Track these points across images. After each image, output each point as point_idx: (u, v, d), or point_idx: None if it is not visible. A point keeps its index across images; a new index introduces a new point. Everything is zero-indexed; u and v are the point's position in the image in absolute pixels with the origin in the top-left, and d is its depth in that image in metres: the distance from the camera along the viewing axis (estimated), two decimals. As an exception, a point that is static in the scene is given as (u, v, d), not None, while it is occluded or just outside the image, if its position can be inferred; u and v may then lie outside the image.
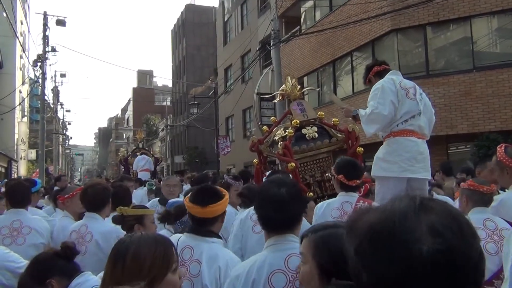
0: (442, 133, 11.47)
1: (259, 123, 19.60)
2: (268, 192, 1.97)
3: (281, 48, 15.86)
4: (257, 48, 18.74)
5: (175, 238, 2.39)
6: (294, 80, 5.21)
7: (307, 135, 4.60)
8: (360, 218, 0.81)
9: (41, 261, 1.83)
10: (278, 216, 1.89)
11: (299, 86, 5.13)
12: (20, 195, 3.61)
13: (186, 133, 37.98)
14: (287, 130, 4.61)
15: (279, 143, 4.56)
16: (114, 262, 1.45)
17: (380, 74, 4.02)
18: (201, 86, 32.86)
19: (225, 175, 8.12)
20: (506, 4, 11.26)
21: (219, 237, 2.39)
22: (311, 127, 4.68)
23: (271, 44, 14.66)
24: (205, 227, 2.33)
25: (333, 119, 4.81)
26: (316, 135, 4.62)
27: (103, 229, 3.11)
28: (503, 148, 3.13)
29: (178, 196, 5.03)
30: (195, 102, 26.02)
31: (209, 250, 2.26)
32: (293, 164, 4.28)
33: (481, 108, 11.41)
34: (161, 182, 5.57)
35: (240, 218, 3.21)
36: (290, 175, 4.04)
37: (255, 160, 5.26)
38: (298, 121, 4.64)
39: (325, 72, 16.88)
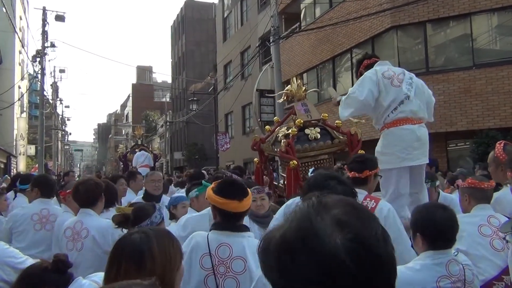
0: (441, 130, 11.48)
1: (259, 120, 19.62)
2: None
3: (280, 45, 15.83)
4: (257, 45, 18.71)
5: (200, 236, 2.33)
6: (299, 80, 5.24)
7: (309, 135, 4.63)
8: (272, 237, 0.80)
9: (32, 275, 1.72)
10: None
11: (304, 87, 5.15)
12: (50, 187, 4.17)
13: (186, 129, 37.96)
14: (290, 129, 4.63)
15: (282, 141, 4.58)
16: (141, 261, 1.44)
17: (370, 67, 4.07)
18: (200, 82, 32.82)
19: (222, 170, 8.12)
20: (506, 1, 11.25)
21: (249, 230, 2.39)
22: (314, 128, 4.71)
23: (271, 41, 14.64)
24: (239, 222, 2.31)
25: (336, 121, 4.82)
26: (319, 136, 4.65)
27: (100, 225, 3.11)
28: (502, 144, 3.18)
29: (162, 193, 5.00)
30: (195, 99, 25.99)
31: (250, 245, 2.23)
32: (295, 162, 4.30)
33: (480, 105, 11.42)
34: (145, 177, 5.38)
35: (286, 204, 3.13)
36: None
37: (255, 159, 5.28)
38: (302, 121, 4.66)
39: (325, 68, 16.87)
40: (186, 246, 2.32)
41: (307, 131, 4.66)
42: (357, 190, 3.23)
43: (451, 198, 4.15)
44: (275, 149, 4.81)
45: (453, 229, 2.18)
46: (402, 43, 13.15)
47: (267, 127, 5.33)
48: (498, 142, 3.26)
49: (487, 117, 11.32)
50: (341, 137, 4.72)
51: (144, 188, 5.18)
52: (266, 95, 18.60)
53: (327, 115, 4.98)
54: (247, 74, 22.98)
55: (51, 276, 1.66)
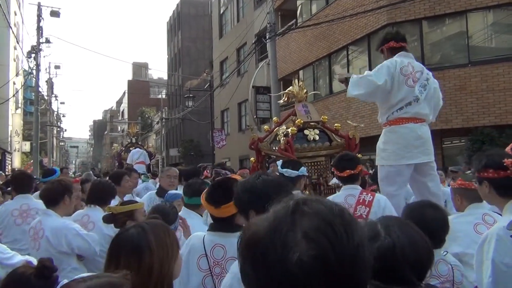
0: (437, 127, 11.49)
1: (255, 116, 19.65)
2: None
3: (277, 41, 15.82)
4: (253, 41, 18.67)
5: (197, 238, 2.32)
6: (301, 82, 5.27)
7: (308, 136, 4.68)
8: (248, 229, 0.80)
9: (16, 282, 1.64)
10: None
11: (305, 89, 5.18)
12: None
13: (181, 126, 37.88)
14: (290, 128, 4.68)
15: (282, 139, 4.61)
16: (139, 255, 1.46)
17: (393, 51, 3.99)
18: (196, 79, 32.72)
19: (216, 169, 8.12)
20: (502, -1, 11.27)
21: None
22: (313, 129, 4.76)
23: (267, 37, 14.62)
24: (230, 224, 2.23)
25: (335, 124, 4.89)
26: (317, 138, 4.71)
27: (54, 225, 3.14)
28: None
29: (177, 188, 5.00)
30: (191, 95, 25.92)
31: None
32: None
33: (475, 103, 11.45)
34: (159, 173, 5.46)
35: None
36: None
37: (252, 159, 5.34)
38: (302, 121, 4.70)
39: (321, 65, 16.86)
40: (184, 249, 2.32)
41: (306, 132, 4.72)
42: (351, 185, 3.30)
43: (448, 194, 4.13)
44: (274, 148, 4.83)
45: (443, 229, 2.16)
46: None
47: (265, 126, 5.35)
48: None
49: (482, 114, 11.35)
50: (339, 140, 4.77)
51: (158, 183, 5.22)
52: (262, 92, 18.61)
53: (326, 117, 5.00)
54: (243, 71, 22.93)
55: (36, 282, 1.61)
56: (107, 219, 2.98)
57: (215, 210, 2.23)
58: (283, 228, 0.73)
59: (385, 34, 4.26)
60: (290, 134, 4.54)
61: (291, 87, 5.19)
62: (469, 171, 4.26)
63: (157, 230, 1.55)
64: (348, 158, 3.42)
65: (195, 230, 2.91)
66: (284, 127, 4.95)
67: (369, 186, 4.62)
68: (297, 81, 5.22)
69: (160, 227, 1.58)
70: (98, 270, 1.94)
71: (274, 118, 5.57)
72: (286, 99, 5.23)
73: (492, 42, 12.24)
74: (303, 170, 3.54)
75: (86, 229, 3.34)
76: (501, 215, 2.81)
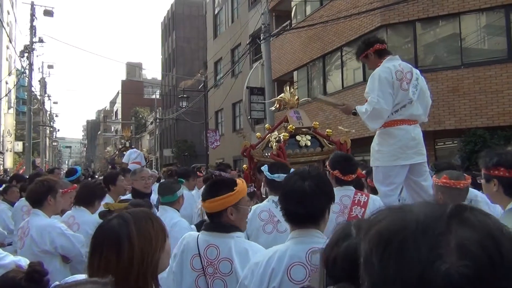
0: (430, 128, 11.57)
1: (249, 117, 19.66)
2: (291, 185, 1.93)
3: (271, 42, 15.83)
4: (248, 42, 18.68)
5: (191, 237, 2.32)
6: (293, 88, 5.29)
7: (300, 142, 4.71)
8: (380, 221, 0.69)
9: (6, 287, 1.59)
10: (300, 210, 1.86)
11: (297, 96, 5.20)
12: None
13: (175, 126, 37.80)
14: (282, 134, 4.71)
15: (274, 144, 4.64)
16: (119, 247, 1.45)
17: (380, 54, 3.94)
18: (190, 79, 32.67)
19: (209, 170, 8.10)
20: (494, 1, 11.36)
21: (240, 230, 2.29)
22: (305, 135, 4.79)
23: (262, 38, 14.64)
24: (220, 221, 2.23)
25: (327, 130, 4.93)
26: (309, 143, 4.74)
27: (38, 224, 3.15)
28: None
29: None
30: (185, 96, 25.88)
31: (237, 245, 2.19)
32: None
33: (468, 104, 11.53)
34: (130, 177, 5.12)
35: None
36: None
37: (244, 166, 5.39)
38: (294, 127, 4.73)
39: (315, 66, 16.90)
40: (177, 248, 2.34)
41: (298, 137, 4.75)
42: (345, 187, 3.30)
43: (475, 194, 3.94)
44: (266, 154, 4.85)
45: None
46: (391, 42, 13.21)
47: (257, 134, 5.37)
48: None
49: (474, 116, 11.44)
50: (331, 146, 4.80)
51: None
52: (257, 92, 18.62)
53: (318, 123, 5.02)
54: (237, 72, 22.94)
55: (27, 286, 1.57)
56: (103, 216, 2.97)
57: (203, 204, 2.28)
58: (435, 230, 0.62)
59: (365, 40, 4.16)
60: (282, 140, 4.57)
61: (282, 94, 5.24)
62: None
63: (139, 220, 1.52)
64: (353, 162, 3.40)
65: (169, 220, 3.19)
66: (276, 133, 4.98)
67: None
68: (288, 88, 5.25)
69: (142, 216, 1.55)
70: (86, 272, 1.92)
71: (266, 125, 5.62)
72: (278, 105, 5.26)
73: (485, 44, 12.33)
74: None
75: (71, 229, 3.33)
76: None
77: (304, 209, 1.86)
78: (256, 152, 5.05)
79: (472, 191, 4.09)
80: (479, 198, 3.70)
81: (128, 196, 4.80)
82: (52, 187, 3.32)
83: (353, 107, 3.94)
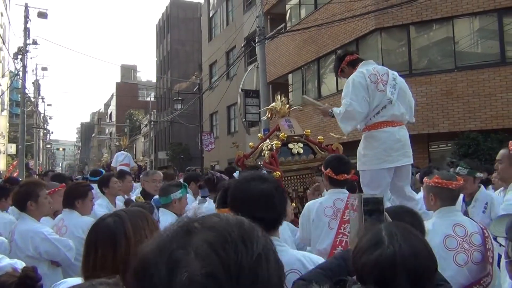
0: (423, 131, 11.63)
1: (244, 120, 19.66)
2: (250, 188, 1.76)
3: (266, 45, 15.86)
4: (242, 45, 18.70)
5: None
6: (284, 97, 5.31)
7: (292, 150, 4.72)
8: (142, 248, 0.73)
9: None
10: (265, 215, 1.67)
11: (287, 105, 5.22)
12: None
13: (170, 129, 37.73)
14: (274, 143, 4.72)
15: (266, 152, 4.65)
16: (115, 244, 1.45)
17: (353, 64, 4.04)
18: (185, 82, 32.65)
19: (209, 170, 8.11)
20: (487, 5, 11.45)
21: None
22: (297, 143, 4.80)
23: (256, 41, 14.66)
24: None
25: (319, 137, 4.94)
26: (302, 151, 4.74)
27: (22, 229, 3.11)
28: None
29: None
30: (179, 98, 25.85)
31: None
32: (278, 173, 4.36)
33: (461, 108, 11.60)
34: (142, 177, 5.25)
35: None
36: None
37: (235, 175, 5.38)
38: (286, 135, 4.74)
39: (310, 69, 16.95)
40: None
41: (290, 145, 4.75)
42: (339, 189, 3.30)
43: (491, 197, 3.88)
44: (259, 163, 4.85)
45: None
46: (386, 45, 13.29)
47: (250, 143, 5.41)
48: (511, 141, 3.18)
49: (468, 119, 11.51)
50: (323, 153, 4.81)
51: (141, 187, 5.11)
52: (251, 95, 18.62)
53: (309, 131, 5.04)
54: (232, 74, 22.95)
55: None
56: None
57: (219, 211, 2.30)
58: (171, 246, 0.67)
59: (337, 56, 4.33)
60: (274, 148, 4.58)
61: (274, 103, 5.25)
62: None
63: (135, 218, 1.52)
64: (346, 161, 3.40)
65: (163, 222, 3.12)
66: (268, 142, 4.99)
67: None
68: (279, 97, 5.26)
69: (138, 214, 1.55)
70: (77, 275, 1.87)
71: (259, 135, 5.62)
72: (269, 115, 5.27)
73: (478, 47, 12.42)
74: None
75: (59, 233, 3.28)
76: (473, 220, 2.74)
77: (269, 213, 1.71)
78: (249, 162, 5.06)
79: (488, 194, 4.02)
80: (495, 202, 3.69)
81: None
82: (30, 192, 3.24)
83: (330, 109, 4.02)
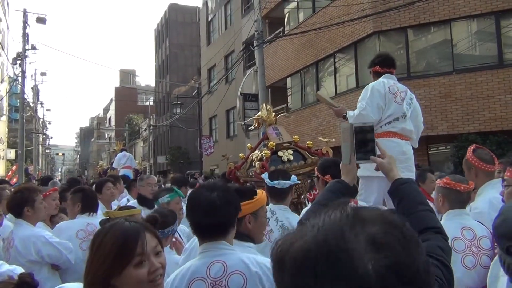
0: (422, 134, 11.56)
1: (243, 123, 19.67)
2: (198, 197, 1.91)
3: (264, 49, 15.90)
4: (241, 49, 18.74)
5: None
6: (269, 106, 5.34)
7: (282, 158, 4.71)
8: (291, 246, 0.67)
9: None
10: (208, 221, 1.83)
11: (274, 113, 5.25)
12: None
13: (169, 133, 37.73)
14: (263, 152, 4.72)
15: (257, 163, 4.64)
16: (90, 249, 1.47)
17: (378, 75, 4.13)
18: (184, 86, 32.67)
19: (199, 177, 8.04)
20: (485, 8, 11.50)
21: (253, 241, 2.18)
22: (287, 150, 4.80)
23: (255, 45, 14.68)
24: (238, 230, 2.08)
25: (307, 142, 4.94)
26: (292, 158, 4.73)
27: (22, 234, 3.11)
28: (472, 148, 3.23)
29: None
30: (178, 102, 25.88)
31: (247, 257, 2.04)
32: None
33: (460, 110, 11.62)
34: (138, 183, 5.29)
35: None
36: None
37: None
38: (274, 144, 4.74)
39: (308, 73, 16.98)
40: (190, 244, 2.44)
41: (280, 153, 4.74)
42: None
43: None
44: (251, 174, 4.85)
45: None
46: (384, 48, 13.31)
47: (241, 154, 5.39)
48: (470, 145, 3.30)
49: (466, 121, 11.53)
50: (313, 157, 4.81)
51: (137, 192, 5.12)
52: (250, 99, 18.65)
53: (297, 137, 5.05)
54: (231, 78, 22.99)
55: None
56: (103, 224, 2.96)
57: None
58: (345, 236, 0.62)
59: (375, 56, 4.32)
60: (264, 157, 4.58)
61: (259, 113, 5.26)
62: None
63: (125, 233, 1.45)
64: (337, 164, 3.40)
65: None
66: (257, 152, 4.98)
67: None
68: (265, 106, 5.29)
69: (130, 232, 1.46)
70: (77, 279, 1.86)
71: (248, 145, 5.62)
72: (256, 124, 5.28)
73: (476, 50, 12.46)
74: (294, 178, 3.43)
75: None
76: (482, 224, 2.69)
77: (212, 219, 1.83)
78: (241, 173, 5.06)
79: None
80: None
81: (134, 202, 4.88)
82: (26, 198, 3.23)
83: (345, 111, 4.06)
